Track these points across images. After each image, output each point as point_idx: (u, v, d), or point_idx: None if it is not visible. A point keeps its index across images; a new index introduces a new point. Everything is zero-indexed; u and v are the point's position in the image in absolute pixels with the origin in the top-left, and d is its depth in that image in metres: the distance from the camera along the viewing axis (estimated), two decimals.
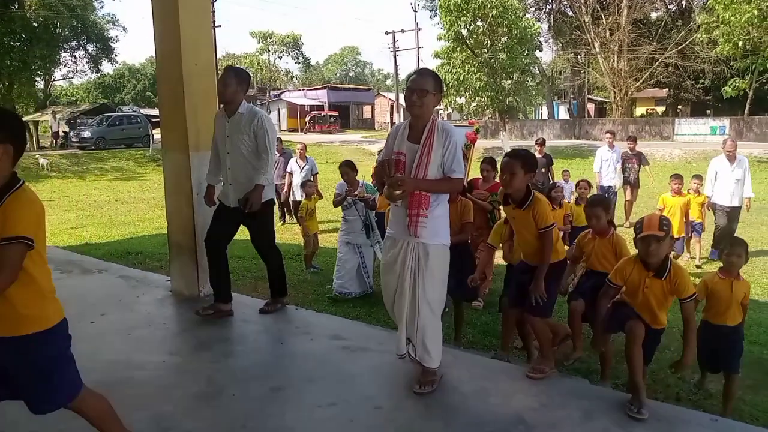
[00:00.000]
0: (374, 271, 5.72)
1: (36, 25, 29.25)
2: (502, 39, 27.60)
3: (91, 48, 34.93)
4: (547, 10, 37.54)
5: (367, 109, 56.05)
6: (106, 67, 42.17)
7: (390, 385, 3.35)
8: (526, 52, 28.99)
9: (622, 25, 31.63)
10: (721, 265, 3.63)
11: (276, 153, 4.96)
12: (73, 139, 26.31)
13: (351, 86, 61.16)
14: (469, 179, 5.53)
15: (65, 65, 35.78)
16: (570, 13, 36.06)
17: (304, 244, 7.13)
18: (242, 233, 4.47)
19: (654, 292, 3.14)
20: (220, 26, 35.24)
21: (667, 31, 33.32)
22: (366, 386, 3.30)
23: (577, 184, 7.07)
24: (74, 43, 34.31)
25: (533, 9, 36.64)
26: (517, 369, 3.52)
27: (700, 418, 3.00)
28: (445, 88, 25.62)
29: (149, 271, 6.17)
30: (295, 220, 9.27)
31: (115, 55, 36.78)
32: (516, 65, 28.05)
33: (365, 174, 6.05)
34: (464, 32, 27.87)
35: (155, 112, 29.89)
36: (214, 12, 27.80)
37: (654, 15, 36.09)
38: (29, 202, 2.03)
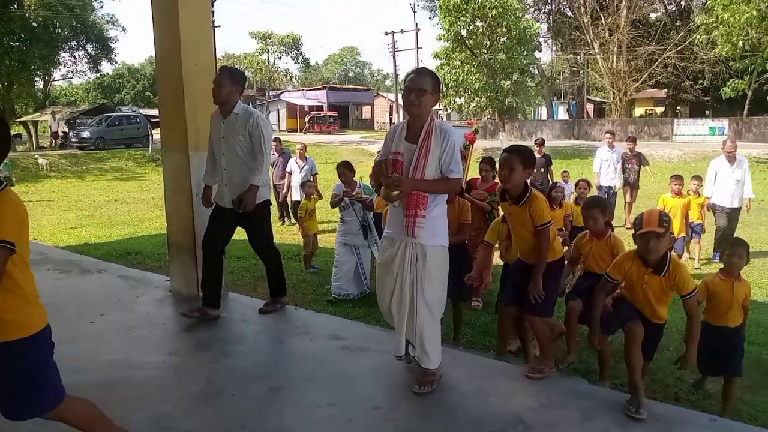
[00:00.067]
0: (371, 272, 5.71)
1: (35, 25, 29.19)
2: (502, 39, 27.67)
3: (90, 48, 34.88)
4: (546, 10, 37.63)
5: (366, 109, 56.08)
6: (106, 68, 42.31)
7: (389, 385, 3.34)
8: (526, 52, 29.07)
9: (621, 25, 31.65)
10: (722, 266, 3.62)
11: (273, 153, 4.95)
12: (73, 140, 26.33)
13: (350, 86, 61.18)
14: (467, 179, 5.53)
15: (64, 65, 35.77)
16: (569, 14, 36.13)
17: (304, 245, 7.13)
18: (241, 233, 4.47)
19: (653, 288, 3.15)
20: (219, 26, 35.20)
21: (666, 31, 33.35)
22: (365, 386, 3.30)
23: (577, 184, 7.04)
24: (74, 43, 34.24)
25: (532, 9, 36.70)
26: (516, 369, 3.52)
27: (699, 418, 3.01)
28: (444, 89, 25.71)
29: (148, 271, 6.17)
30: (294, 221, 9.29)
31: (115, 56, 36.77)
32: (515, 66, 28.11)
33: (365, 174, 6.04)
34: (463, 33, 27.95)
35: (155, 112, 29.85)
36: (213, 12, 27.78)
37: (653, 16, 36.12)
38: (12, 204, 1.97)
